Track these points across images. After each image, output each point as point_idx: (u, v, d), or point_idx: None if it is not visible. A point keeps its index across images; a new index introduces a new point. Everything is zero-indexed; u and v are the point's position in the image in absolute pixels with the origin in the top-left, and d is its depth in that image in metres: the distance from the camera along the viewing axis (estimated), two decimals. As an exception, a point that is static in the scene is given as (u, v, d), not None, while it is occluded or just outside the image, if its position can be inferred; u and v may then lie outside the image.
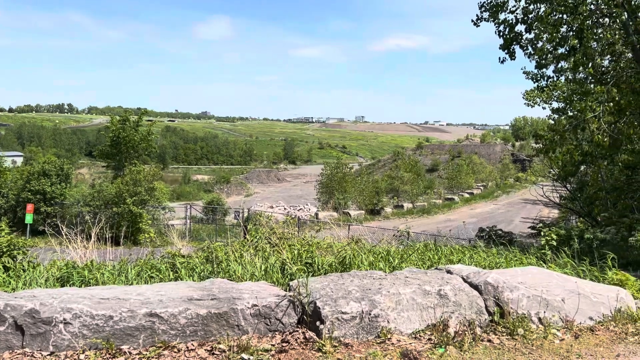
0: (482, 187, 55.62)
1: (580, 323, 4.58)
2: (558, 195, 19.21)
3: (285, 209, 40.62)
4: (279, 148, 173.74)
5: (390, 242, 8.29)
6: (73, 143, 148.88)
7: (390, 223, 29.85)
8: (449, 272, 4.98)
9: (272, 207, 38.75)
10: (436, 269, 5.27)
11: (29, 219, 22.90)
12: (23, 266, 6.05)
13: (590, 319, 4.68)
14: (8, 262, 6.22)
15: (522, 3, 13.01)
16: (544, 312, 4.51)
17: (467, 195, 48.65)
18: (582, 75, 13.80)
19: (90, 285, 5.06)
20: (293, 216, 22.38)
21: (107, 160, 32.58)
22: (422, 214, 37.57)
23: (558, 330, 4.40)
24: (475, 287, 4.61)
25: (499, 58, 13.98)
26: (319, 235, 8.68)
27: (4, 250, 6.51)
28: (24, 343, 3.54)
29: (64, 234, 8.69)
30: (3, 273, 5.70)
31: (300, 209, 41.17)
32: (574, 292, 4.79)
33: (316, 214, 32.98)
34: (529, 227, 21.68)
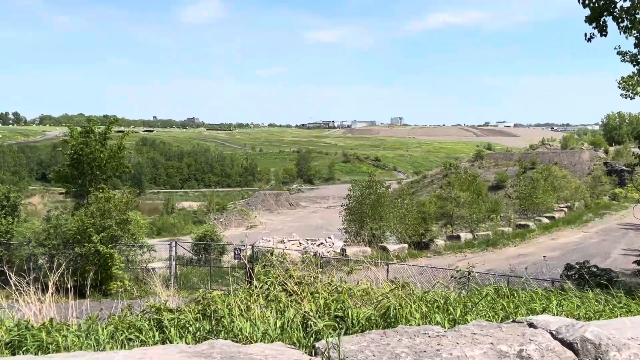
0: (565, 209, 54.98)
1: None
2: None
3: (300, 243, 40.68)
4: (291, 163, 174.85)
5: (447, 286, 8.20)
6: (21, 164, 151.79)
7: (443, 260, 29.61)
8: (531, 325, 4.88)
9: (283, 242, 38.84)
10: (514, 321, 5.17)
11: (-36, 265, 23.23)
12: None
13: None
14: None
15: (615, -40, 12.97)
16: (666, 378, 4.38)
17: (546, 221, 48.09)
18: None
19: (49, 352, 5.08)
20: (313, 253, 22.34)
21: (65, 185, 32.97)
22: (485, 246, 37.23)
23: (687, 403, 4.26)
24: (569, 345, 4.50)
25: (585, 35, 13.90)
26: (349, 278, 8.63)
27: None
28: None
29: (12, 283, 8.78)
30: None
31: (321, 243, 41.20)
32: None
33: (343, 250, 32.90)
34: (634, 262, 21.29)
